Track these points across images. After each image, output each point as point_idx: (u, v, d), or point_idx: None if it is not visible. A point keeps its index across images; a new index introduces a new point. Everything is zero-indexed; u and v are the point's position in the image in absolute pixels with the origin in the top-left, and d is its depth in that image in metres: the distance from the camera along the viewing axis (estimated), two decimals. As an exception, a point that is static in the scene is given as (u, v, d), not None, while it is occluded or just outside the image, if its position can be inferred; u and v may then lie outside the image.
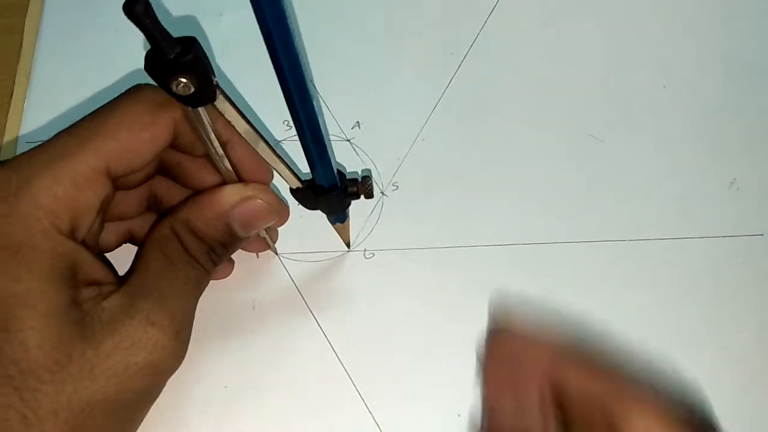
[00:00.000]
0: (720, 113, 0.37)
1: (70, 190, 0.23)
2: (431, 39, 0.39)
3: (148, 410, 0.26)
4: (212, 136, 0.25)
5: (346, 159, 0.36)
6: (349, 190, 0.29)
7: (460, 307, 0.32)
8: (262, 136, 0.26)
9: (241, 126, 0.25)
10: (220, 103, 0.23)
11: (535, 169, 0.35)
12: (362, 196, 0.29)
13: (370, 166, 0.36)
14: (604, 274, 0.33)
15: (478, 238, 0.34)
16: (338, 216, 0.31)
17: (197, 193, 0.28)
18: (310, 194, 0.28)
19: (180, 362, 0.26)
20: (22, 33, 0.38)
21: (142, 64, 0.21)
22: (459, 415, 0.30)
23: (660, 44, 0.39)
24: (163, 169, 0.28)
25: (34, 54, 0.38)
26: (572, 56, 0.38)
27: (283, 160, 0.27)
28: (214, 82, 0.22)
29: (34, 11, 0.39)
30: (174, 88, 0.21)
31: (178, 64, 0.21)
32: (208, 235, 0.27)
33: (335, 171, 0.28)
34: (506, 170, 0.35)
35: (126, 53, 0.37)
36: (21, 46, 0.38)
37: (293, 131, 0.36)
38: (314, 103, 0.24)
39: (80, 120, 0.25)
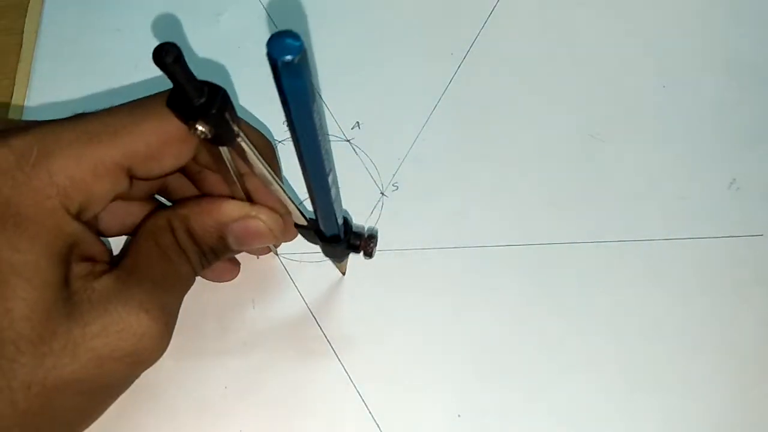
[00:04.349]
0: (720, 113, 0.37)
1: (88, 176, 0.23)
2: (431, 39, 0.39)
3: (118, 398, 0.26)
4: (228, 166, 0.25)
5: (346, 159, 0.36)
6: (352, 242, 0.28)
7: (460, 308, 0.32)
8: (276, 179, 0.25)
9: (257, 168, 0.24)
10: (238, 147, 0.23)
11: (535, 169, 0.35)
12: (362, 253, 0.29)
13: (370, 166, 0.36)
14: (604, 274, 0.33)
15: (478, 238, 0.34)
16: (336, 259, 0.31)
17: (203, 195, 0.28)
18: (313, 234, 0.28)
19: (161, 355, 0.25)
20: (22, 33, 0.38)
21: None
22: (459, 416, 0.30)
23: (660, 44, 0.39)
24: (182, 169, 0.28)
25: (34, 54, 0.38)
26: (572, 56, 0.38)
27: (292, 200, 0.27)
28: (235, 132, 0.22)
29: (34, 11, 0.39)
30: (191, 131, 0.21)
31: (201, 113, 0.20)
32: (202, 238, 0.27)
33: (340, 224, 0.27)
34: (506, 170, 0.35)
35: (126, 53, 0.37)
36: (21, 46, 0.38)
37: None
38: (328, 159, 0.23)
39: (116, 108, 0.24)
